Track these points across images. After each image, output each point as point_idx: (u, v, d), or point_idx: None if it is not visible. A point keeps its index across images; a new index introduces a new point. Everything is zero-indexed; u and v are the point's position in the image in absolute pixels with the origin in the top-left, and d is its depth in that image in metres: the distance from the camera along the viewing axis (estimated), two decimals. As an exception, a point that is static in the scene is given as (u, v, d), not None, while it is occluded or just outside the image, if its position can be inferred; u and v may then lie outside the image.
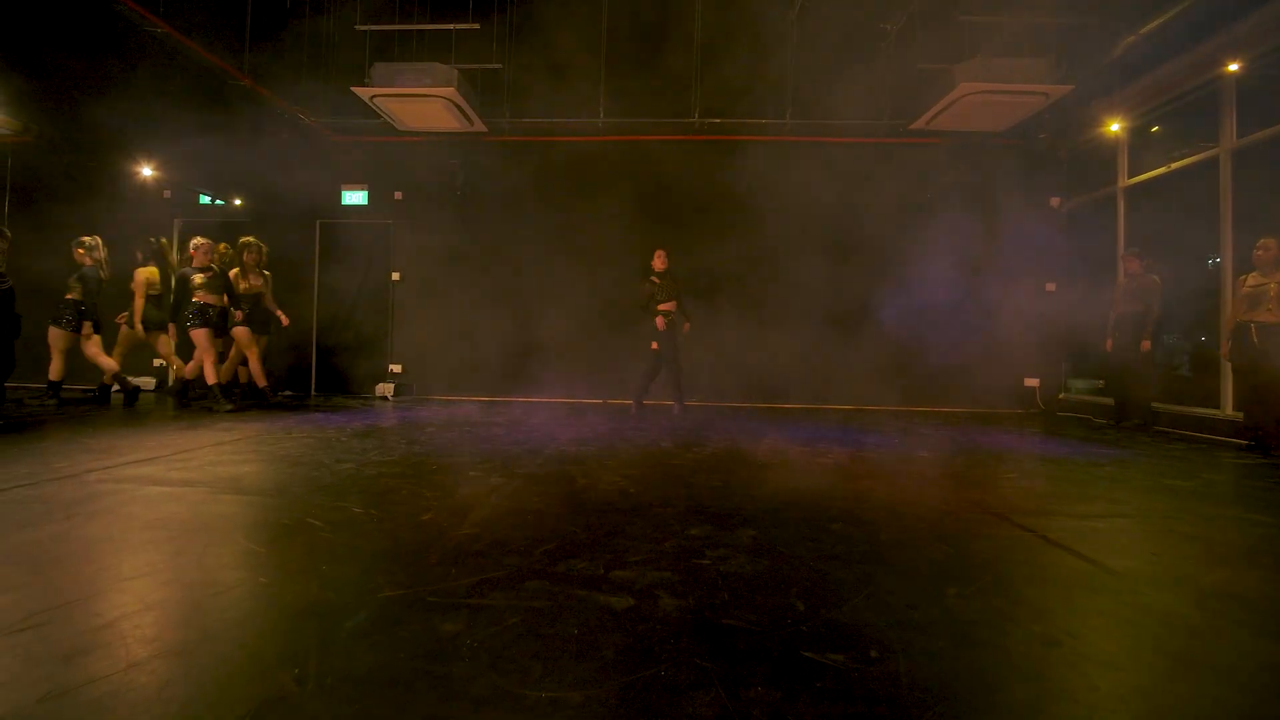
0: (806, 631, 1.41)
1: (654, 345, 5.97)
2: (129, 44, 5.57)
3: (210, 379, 5.47)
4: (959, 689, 1.18)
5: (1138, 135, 6.16)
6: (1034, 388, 7.07)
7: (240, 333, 5.85)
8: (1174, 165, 5.64)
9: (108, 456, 3.27)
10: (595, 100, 6.84)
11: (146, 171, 7.29)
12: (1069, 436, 4.98)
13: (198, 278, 5.47)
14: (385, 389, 7.13)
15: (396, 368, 7.50)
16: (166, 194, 7.62)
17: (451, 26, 6.14)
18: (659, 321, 5.91)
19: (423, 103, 5.99)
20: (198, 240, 5.60)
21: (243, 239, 6.17)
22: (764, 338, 7.08)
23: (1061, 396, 7.00)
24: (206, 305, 5.45)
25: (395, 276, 7.47)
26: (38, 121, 7.05)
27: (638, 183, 7.22)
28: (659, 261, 6.01)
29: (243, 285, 5.99)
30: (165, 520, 2.17)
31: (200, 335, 5.42)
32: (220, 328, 5.57)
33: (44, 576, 1.65)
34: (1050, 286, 7.07)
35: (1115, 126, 6.11)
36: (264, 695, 1.10)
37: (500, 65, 6.49)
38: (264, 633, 1.35)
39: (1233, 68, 4.83)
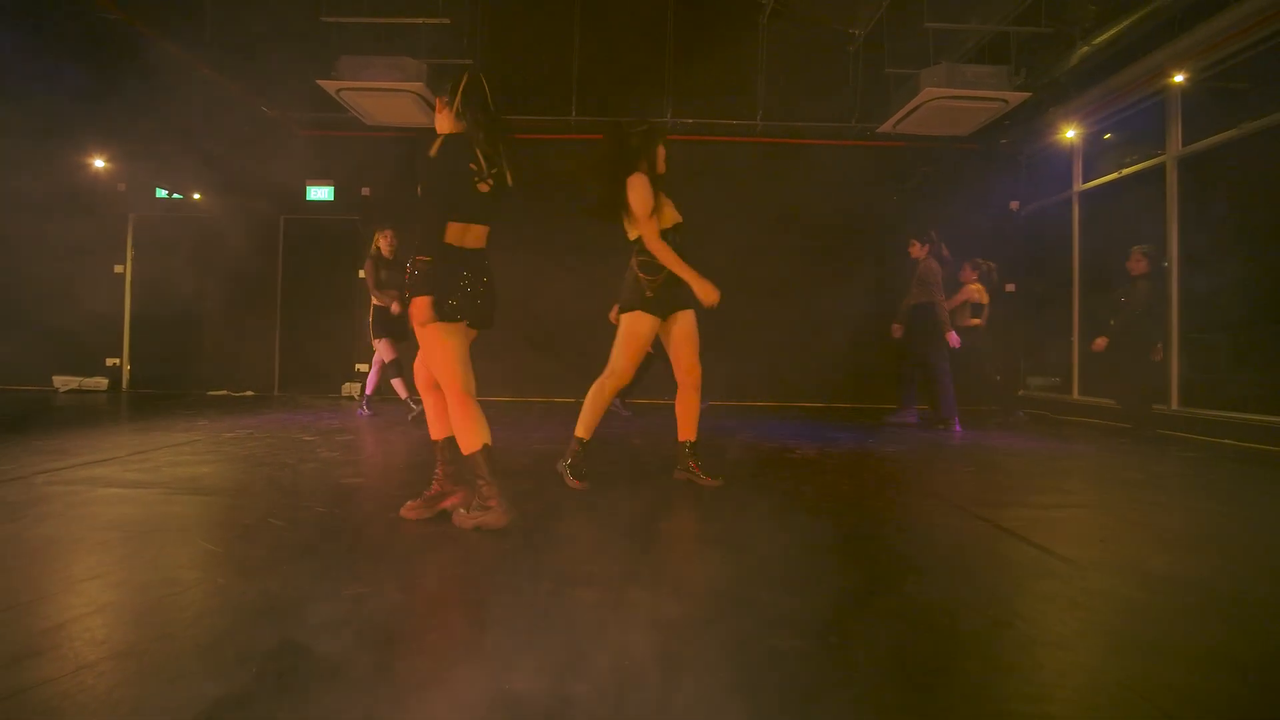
0: (769, 618, 1.43)
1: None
2: (81, 30, 5.35)
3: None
4: (914, 670, 1.22)
5: (1092, 142, 6.40)
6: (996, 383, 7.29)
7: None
8: (1125, 171, 5.88)
9: (58, 458, 3.14)
10: (567, 98, 6.81)
11: (99, 164, 7.00)
12: (1029, 432, 5.15)
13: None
14: (354, 389, 7.03)
15: (364, 366, 7.35)
16: (121, 187, 7.33)
17: (420, 20, 6.02)
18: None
19: (391, 97, 5.88)
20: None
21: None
22: (733, 338, 7.14)
23: (1021, 394, 7.23)
24: None
25: (361, 274, 7.34)
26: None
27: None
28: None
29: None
30: (119, 522, 2.10)
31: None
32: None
33: (-14, 580, 1.58)
34: (1010, 287, 7.29)
35: (1071, 133, 6.33)
36: (219, 694, 1.08)
37: (470, 60, 6.40)
38: (220, 632, 1.32)
39: (1178, 79, 5.05)
